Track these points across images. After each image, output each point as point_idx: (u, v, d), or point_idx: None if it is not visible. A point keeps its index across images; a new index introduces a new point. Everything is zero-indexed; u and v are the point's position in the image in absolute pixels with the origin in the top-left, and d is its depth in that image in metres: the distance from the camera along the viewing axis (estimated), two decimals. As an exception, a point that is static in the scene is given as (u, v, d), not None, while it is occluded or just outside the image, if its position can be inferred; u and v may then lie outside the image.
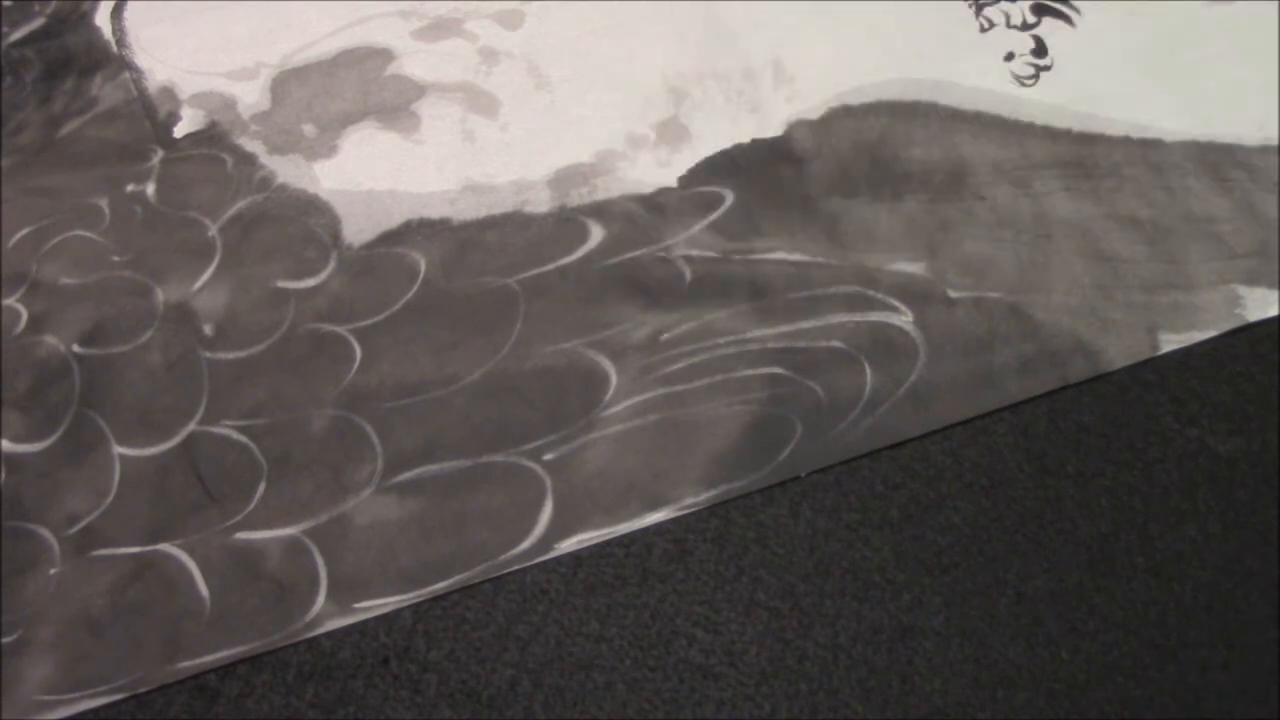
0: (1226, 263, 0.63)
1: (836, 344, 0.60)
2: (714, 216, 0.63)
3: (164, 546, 0.54)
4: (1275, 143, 0.67)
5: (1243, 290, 0.63)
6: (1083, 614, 0.55)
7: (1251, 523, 0.58)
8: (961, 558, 0.56)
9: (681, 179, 0.64)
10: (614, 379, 0.58)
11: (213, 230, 0.61)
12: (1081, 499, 0.58)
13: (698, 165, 0.64)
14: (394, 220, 0.62)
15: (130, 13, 0.67)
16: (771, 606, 0.55)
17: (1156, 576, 0.56)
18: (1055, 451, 0.59)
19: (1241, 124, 0.67)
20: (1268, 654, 0.55)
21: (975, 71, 0.68)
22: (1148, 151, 0.66)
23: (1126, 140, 0.66)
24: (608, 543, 0.55)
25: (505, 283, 0.61)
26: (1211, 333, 0.62)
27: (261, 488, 0.56)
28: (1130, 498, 0.58)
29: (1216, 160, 0.66)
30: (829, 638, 0.54)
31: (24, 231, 0.61)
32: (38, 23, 0.67)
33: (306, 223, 0.61)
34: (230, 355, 0.58)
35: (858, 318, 0.61)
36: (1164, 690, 0.54)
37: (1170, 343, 0.61)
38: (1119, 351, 0.61)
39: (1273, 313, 0.62)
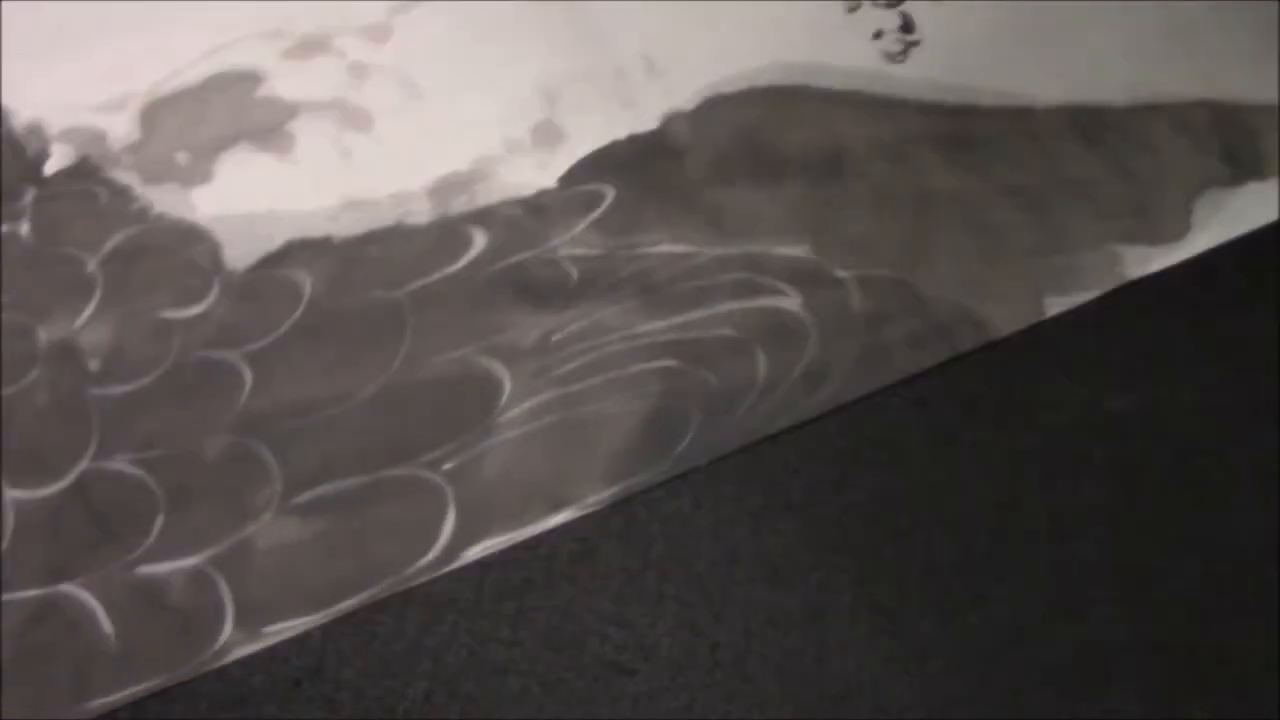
0: (1105, 223, 0.64)
1: (727, 332, 0.60)
2: (596, 214, 0.63)
3: (65, 587, 0.54)
4: (1143, 103, 0.68)
5: (1122, 249, 0.63)
6: (989, 581, 0.56)
7: (1148, 477, 0.59)
8: (866, 534, 0.56)
9: (561, 179, 0.64)
10: (508, 384, 0.58)
11: (92, 265, 0.60)
12: (980, 467, 0.58)
13: (576, 165, 0.64)
14: (275, 242, 0.61)
15: (-10, 52, 0.66)
16: (681, 598, 0.55)
17: (1058, 537, 0.57)
18: (951, 422, 0.59)
19: (1110, 87, 0.68)
20: (1174, 606, 0.56)
21: (846, 52, 0.68)
22: (1021, 119, 0.67)
23: (999, 110, 0.67)
24: (513, 547, 0.55)
25: (392, 296, 0.60)
26: (1095, 293, 0.62)
27: (160, 520, 0.55)
28: (1028, 462, 0.59)
29: (1088, 124, 0.67)
30: (741, 625, 0.54)
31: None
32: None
33: (187, 251, 0.61)
34: (119, 389, 0.58)
35: (747, 304, 0.61)
36: (1075, 650, 0.55)
37: (1056, 306, 0.62)
38: (1006, 319, 0.61)
39: (1153, 269, 0.63)
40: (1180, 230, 0.64)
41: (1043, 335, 0.62)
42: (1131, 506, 0.58)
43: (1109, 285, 0.62)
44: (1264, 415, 0.60)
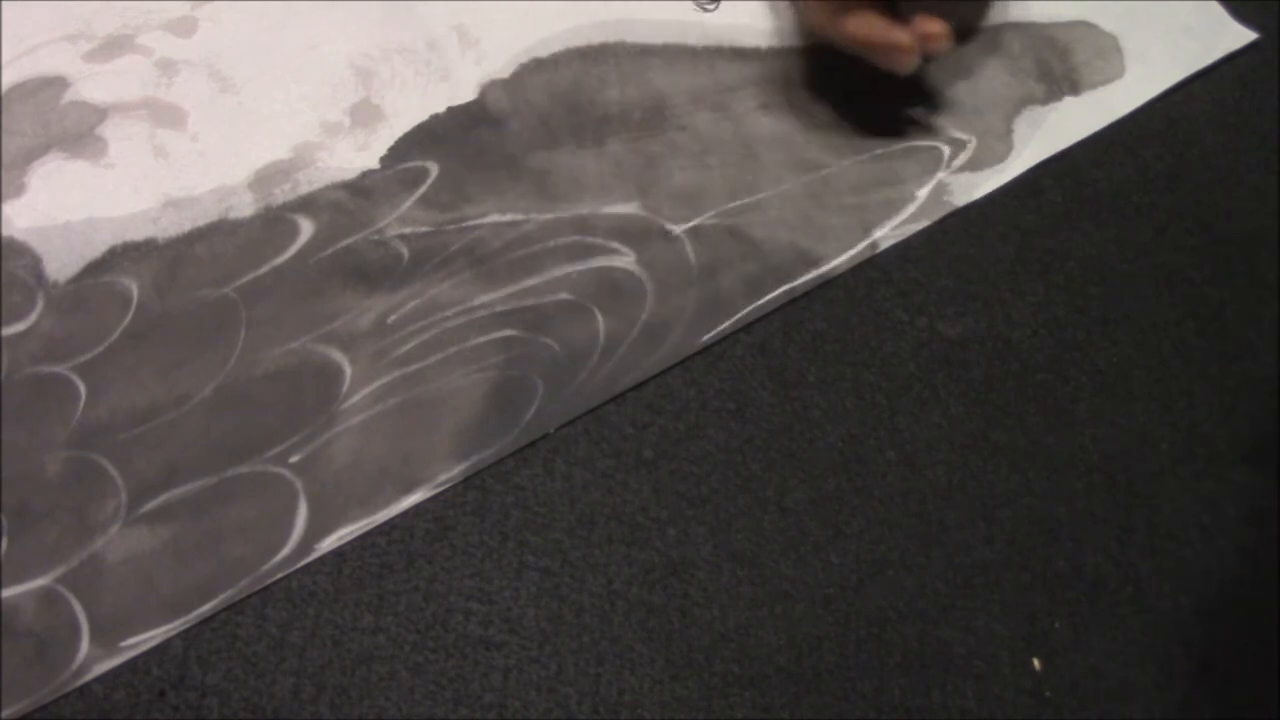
0: (928, 152, 0.65)
1: (564, 296, 0.60)
2: (422, 190, 0.62)
3: (-88, 621, 0.53)
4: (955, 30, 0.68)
5: (948, 177, 0.64)
6: (845, 516, 0.56)
7: (989, 398, 0.59)
8: (720, 484, 0.57)
9: (384, 159, 0.63)
10: (348, 369, 0.58)
11: (-92, 291, 0.59)
12: (826, 405, 0.59)
13: (397, 142, 0.64)
14: (97, 249, 0.60)
15: None
16: (541, 566, 0.55)
17: (910, 466, 0.58)
18: (794, 363, 0.60)
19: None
20: (1027, 522, 0.57)
21: (657, 4, 0.68)
22: (836, 56, 0.67)
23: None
24: (369, 533, 0.55)
25: (222, 293, 0.59)
26: (924, 222, 0.63)
27: (4, 543, 0.54)
28: (873, 394, 0.59)
29: (903, 55, 0.68)
30: (603, 586, 0.54)
31: None
32: None
33: (6, 266, 0.59)
34: (-52, 415, 0.56)
35: (581, 267, 0.61)
36: (934, 575, 0.55)
37: (887, 239, 0.63)
38: (840, 256, 0.62)
39: (978, 195, 0.64)
40: (1002, 152, 0.65)
41: (876, 268, 0.62)
42: (977, 429, 0.59)
43: (937, 214, 0.63)
44: (1095, 327, 0.61)
